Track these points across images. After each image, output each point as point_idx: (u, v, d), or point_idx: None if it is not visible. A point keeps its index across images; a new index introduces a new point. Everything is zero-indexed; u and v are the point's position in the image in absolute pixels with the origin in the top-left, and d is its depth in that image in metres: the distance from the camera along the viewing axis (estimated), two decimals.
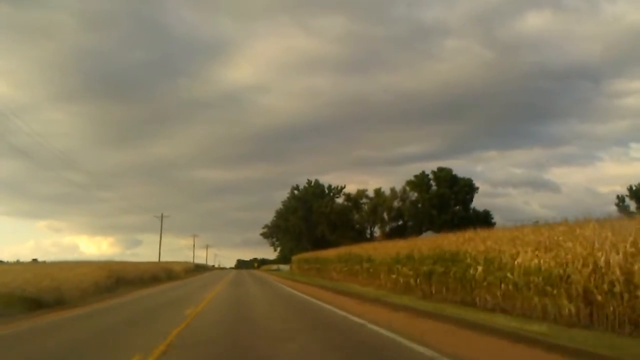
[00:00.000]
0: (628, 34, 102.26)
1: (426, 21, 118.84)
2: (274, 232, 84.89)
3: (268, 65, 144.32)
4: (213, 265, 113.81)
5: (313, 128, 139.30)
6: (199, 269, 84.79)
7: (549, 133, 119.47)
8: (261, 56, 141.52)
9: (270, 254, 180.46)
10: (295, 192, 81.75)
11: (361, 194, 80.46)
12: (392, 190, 79.49)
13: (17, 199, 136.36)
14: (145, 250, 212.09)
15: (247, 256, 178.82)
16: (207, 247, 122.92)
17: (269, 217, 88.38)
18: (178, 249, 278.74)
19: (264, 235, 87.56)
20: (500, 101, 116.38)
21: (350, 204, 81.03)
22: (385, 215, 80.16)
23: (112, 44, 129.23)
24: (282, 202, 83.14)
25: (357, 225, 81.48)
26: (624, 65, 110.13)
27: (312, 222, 78.09)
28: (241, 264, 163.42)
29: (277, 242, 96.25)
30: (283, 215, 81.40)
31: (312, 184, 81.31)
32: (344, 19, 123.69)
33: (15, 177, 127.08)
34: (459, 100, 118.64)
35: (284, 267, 79.03)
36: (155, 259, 67.97)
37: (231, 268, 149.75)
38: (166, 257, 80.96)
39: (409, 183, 78.30)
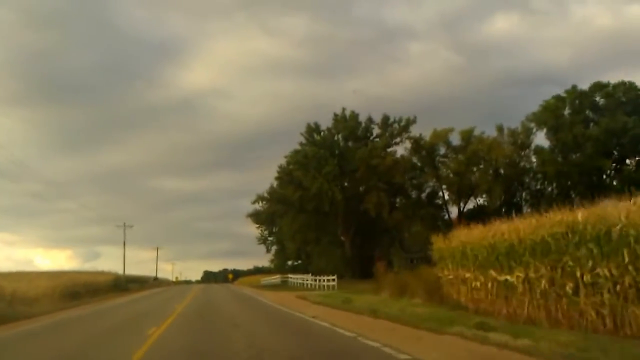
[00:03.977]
0: (597, 38, 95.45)
1: (391, 23, 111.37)
2: (275, 213, 44.63)
3: (227, 68, 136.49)
4: (156, 278, 72.12)
5: (279, 134, 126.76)
6: (131, 283, 45.29)
7: None
8: (219, 58, 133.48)
9: (242, 264, 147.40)
10: (316, 135, 42.55)
11: (442, 136, 41.71)
12: (499, 129, 41.66)
13: None
14: (106, 263, 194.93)
15: (215, 267, 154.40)
16: (157, 249, 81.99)
17: (235, 227, 52.39)
18: (143, 262, 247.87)
19: (254, 218, 48.32)
20: (468, 107, 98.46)
21: (419, 158, 42.57)
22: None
23: (58, 44, 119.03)
24: (287, 156, 43.62)
25: (436, 199, 43.26)
26: (593, 70, 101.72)
27: (354, 191, 39.47)
28: (209, 276, 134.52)
29: (271, 239, 56.57)
30: (293, 179, 41.62)
31: (348, 117, 42.38)
32: (306, 19, 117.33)
33: None
34: (428, 106, 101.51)
35: (297, 279, 39.42)
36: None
37: (197, 281, 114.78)
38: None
39: (536, 114, 40.86)
